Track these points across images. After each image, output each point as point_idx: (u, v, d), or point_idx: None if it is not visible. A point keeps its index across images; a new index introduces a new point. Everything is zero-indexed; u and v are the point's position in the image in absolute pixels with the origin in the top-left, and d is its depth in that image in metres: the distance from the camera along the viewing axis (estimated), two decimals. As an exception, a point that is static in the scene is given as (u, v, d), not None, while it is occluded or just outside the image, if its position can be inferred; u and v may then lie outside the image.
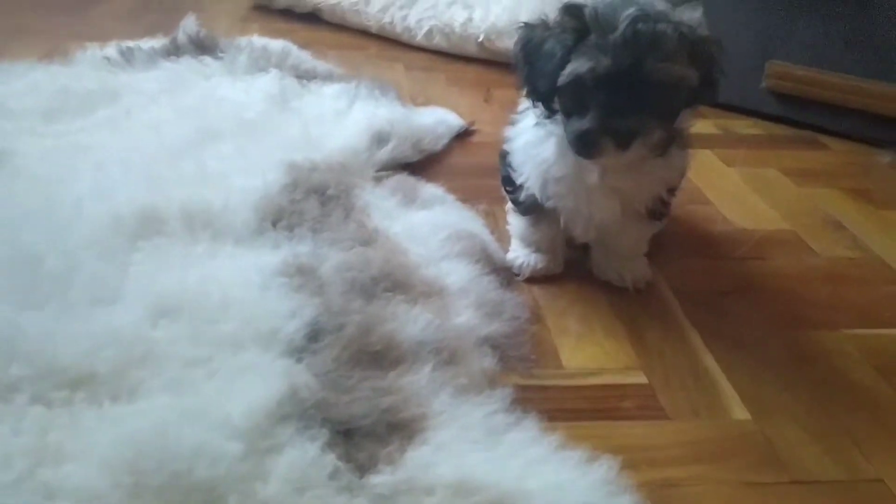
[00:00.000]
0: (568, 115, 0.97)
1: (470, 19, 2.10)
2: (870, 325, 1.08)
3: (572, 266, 1.17)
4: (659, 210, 1.09)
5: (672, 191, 1.09)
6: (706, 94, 0.98)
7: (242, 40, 1.95)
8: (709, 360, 1.00)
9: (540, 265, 1.14)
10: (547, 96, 0.98)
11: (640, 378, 0.96)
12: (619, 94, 0.91)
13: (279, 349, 0.90)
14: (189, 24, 1.93)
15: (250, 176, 1.25)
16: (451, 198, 1.31)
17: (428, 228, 1.18)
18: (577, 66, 0.92)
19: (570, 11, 0.94)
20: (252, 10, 2.45)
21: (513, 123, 1.12)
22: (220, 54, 1.83)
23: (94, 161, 1.30)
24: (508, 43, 1.95)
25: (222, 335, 0.91)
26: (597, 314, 1.08)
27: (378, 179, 1.35)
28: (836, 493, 0.81)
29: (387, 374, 0.89)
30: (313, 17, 2.37)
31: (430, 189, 1.33)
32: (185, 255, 1.06)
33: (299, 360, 0.89)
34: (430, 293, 1.03)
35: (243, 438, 0.76)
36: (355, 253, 1.09)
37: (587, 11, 0.93)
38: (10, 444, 0.75)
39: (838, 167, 1.59)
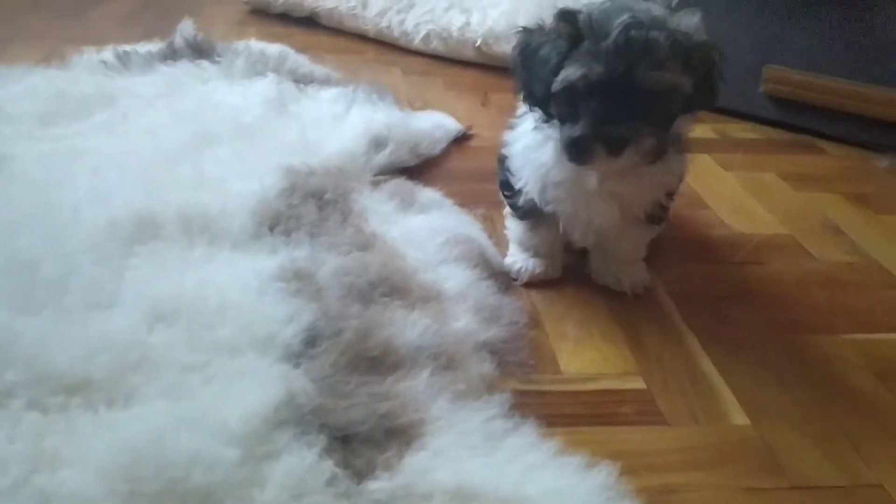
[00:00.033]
0: (562, 120, 0.97)
1: (467, 23, 2.10)
2: (868, 329, 1.08)
3: (570, 271, 1.17)
4: (658, 214, 1.09)
5: (671, 195, 1.09)
6: (704, 101, 0.98)
7: (240, 44, 1.95)
8: (707, 365, 1.00)
9: (538, 270, 1.14)
10: (543, 101, 0.98)
11: (639, 383, 0.96)
12: (611, 102, 0.91)
13: (276, 354, 0.89)
14: (186, 28, 1.93)
15: (247, 180, 1.25)
16: (448, 202, 1.30)
17: (426, 233, 1.18)
18: (569, 72, 0.92)
19: (565, 17, 0.94)
20: (249, 14, 2.45)
21: (511, 128, 1.11)
22: (218, 58, 1.82)
23: (91, 165, 1.29)
24: (506, 47, 1.96)
25: (219, 340, 0.91)
26: (595, 319, 1.08)
27: (376, 184, 1.35)
28: (836, 499, 0.81)
29: (384, 379, 0.88)
30: (310, 22, 2.37)
31: (428, 193, 1.33)
32: (181, 260, 1.06)
33: (297, 366, 0.88)
34: (427, 298, 1.03)
35: (240, 444, 0.76)
36: (353, 257, 1.09)
37: (581, 18, 0.93)
38: (6, 450, 0.75)
39: (836, 172, 1.59)
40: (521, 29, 1.01)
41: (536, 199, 1.07)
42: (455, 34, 2.11)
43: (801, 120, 1.74)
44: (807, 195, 1.48)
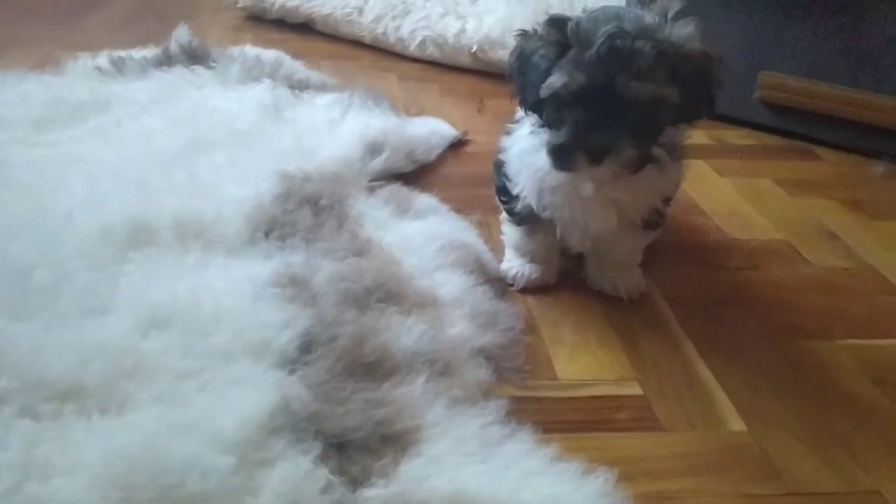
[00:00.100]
0: (549, 127, 0.98)
1: (463, 30, 2.11)
2: (864, 335, 1.08)
3: (566, 276, 1.17)
4: (654, 220, 1.09)
5: (667, 201, 1.09)
6: (699, 110, 0.97)
7: (235, 50, 1.95)
8: (703, 371, 0.99)
9: (534, 275, 1.14)
10: (536, 106, 0.98)
11: (635, 389, 0.96)
12: (594, 111, 0.91)
13: (271, 361, 0.89)
14: (181, 34, 1.93)
15: (243, 186, 1.24)
16: (444, 208, 1.30)
17: (421, 239, 1.18)
18: (553, 80, 0.92)
19: (554, 24, 0.95)
20: (245, 20, 2.45)
21: (508, 133, 1.11)
22: (213, 64, 1.82)
23: (85, 171, 1.29)
24: (501, 54, 1.97)
25: (214, 347, 0.90)
26: (591, 324, 1.08)
27: (371, 189, 1.35)
28: (833, 505, 0.81)
29: (380, 385, 0.88)
30: (306, 28, 2.38)
31: (424, 199, 1.33)
32: (176, 266, 1.06)
33: (292, 372, 0.88)
34: (423, 304, 1.03)
35: (235, 451, 0.75)
36: (348, 263, 1.08)
37: (570, 25, 0.93)
38: (-2, 457, 0.74)
39: (832, 177, 1.60)
40: (519, 32, 1.01)
41: (533, 204, 1.07)
42: (451, 40, 2.11)
43: (796, 126, 1.75)
44: (802, 201, 1.48)
